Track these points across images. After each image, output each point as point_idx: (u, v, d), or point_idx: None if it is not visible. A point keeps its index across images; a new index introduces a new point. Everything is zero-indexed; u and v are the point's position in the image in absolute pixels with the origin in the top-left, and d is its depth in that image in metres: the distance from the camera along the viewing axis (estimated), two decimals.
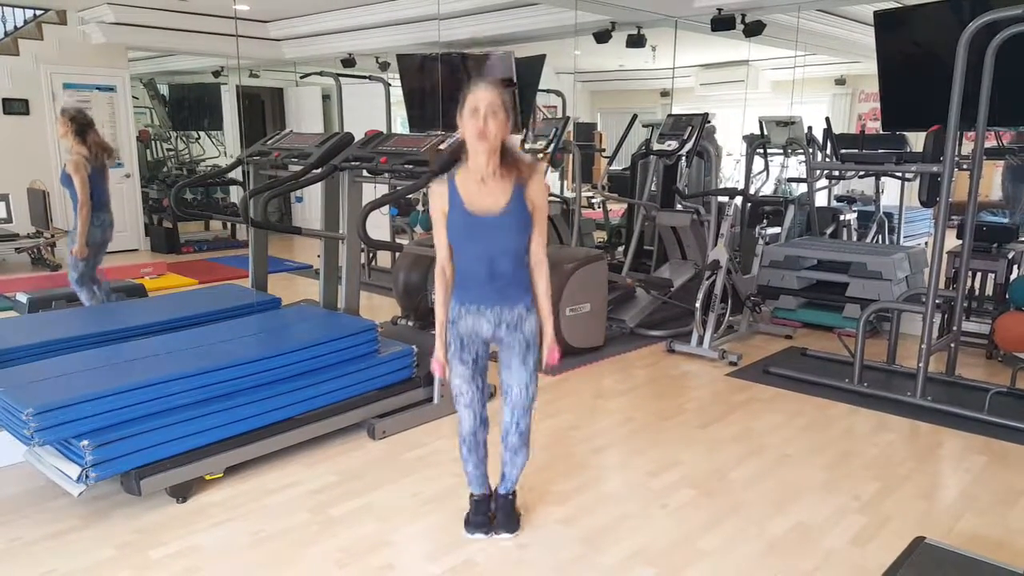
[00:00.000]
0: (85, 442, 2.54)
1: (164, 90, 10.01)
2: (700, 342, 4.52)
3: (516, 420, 2.37)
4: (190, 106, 9.98)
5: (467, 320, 2.27)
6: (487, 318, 2.25)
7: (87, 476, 2.55)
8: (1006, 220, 5.57)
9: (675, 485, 2.87)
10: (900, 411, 3.61)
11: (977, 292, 4.81)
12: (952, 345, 3.96)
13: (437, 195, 2.24)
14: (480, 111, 2.09)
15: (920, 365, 3.64)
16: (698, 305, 4.47)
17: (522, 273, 2.26)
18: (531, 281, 2.30)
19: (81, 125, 4.36)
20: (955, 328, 3.94)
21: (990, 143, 4.37)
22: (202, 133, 10.03)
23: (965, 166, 3.76)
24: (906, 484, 2.89)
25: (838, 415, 3.61)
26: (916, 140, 6.23)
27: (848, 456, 3.14)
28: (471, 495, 2.54)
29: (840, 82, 9.90)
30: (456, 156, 3.33)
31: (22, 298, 5.46)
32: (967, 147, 4.30)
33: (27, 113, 7.45)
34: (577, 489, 2.83)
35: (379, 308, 5.67)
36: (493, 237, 2.18)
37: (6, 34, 7.50)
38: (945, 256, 4.02)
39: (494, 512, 2.52)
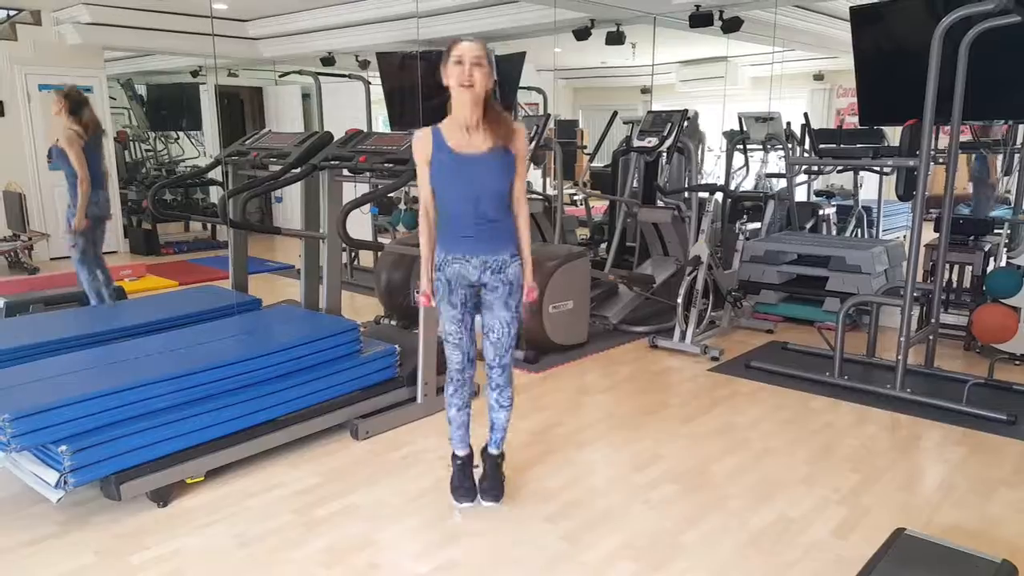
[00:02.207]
0: (63, 447, 2.51)
1: (142, 90, 9.89)
2: (682, 337, 4.55)
3: (499, 355, 2.51)
4: (168, 106, 9.86)
5: (453, 266, 2.39)
6: (472, 265, 2.38)
7: (65, 482, 2.51)
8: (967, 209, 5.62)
9: (658, 480, 2.89)
10: (880, 403, 3.65)
11: (955, 284, 4.88)
12: (931, 337, 4.01)
13: (421, 140, 2.32)
14: (465, 61, 2.19)
15: (899, 358, 3.68)
16: (680, 301, 4.50)
17: (506, 220, 2.39)
18: (514, 230, 2.43)
19: (75, 102, 4.35)
20: (933, 320, 3.99)
21: (965, 137, 4.43)
22: (181, 133, 9.92)
23: (941, 160, 3.81)
24: (886, 475, 2.92)
25: (819, 408, 3.65)
26: (894, 134, 6.30)
27: (829, 449, 3.17)
28: (453, 456, 2.65)
29: (818, 78, 10.00)
30: None
31: None
32: (943, 141, 4.37)
33: (2, 115, 7.34)
34: (561, 486, 2.84)
35: (362, 308, 5.64)
36: (478, 176, 2.28)
37: None
38: (923, 249, 4.07)
39: (480, 478, 2.66)
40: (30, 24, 7.46)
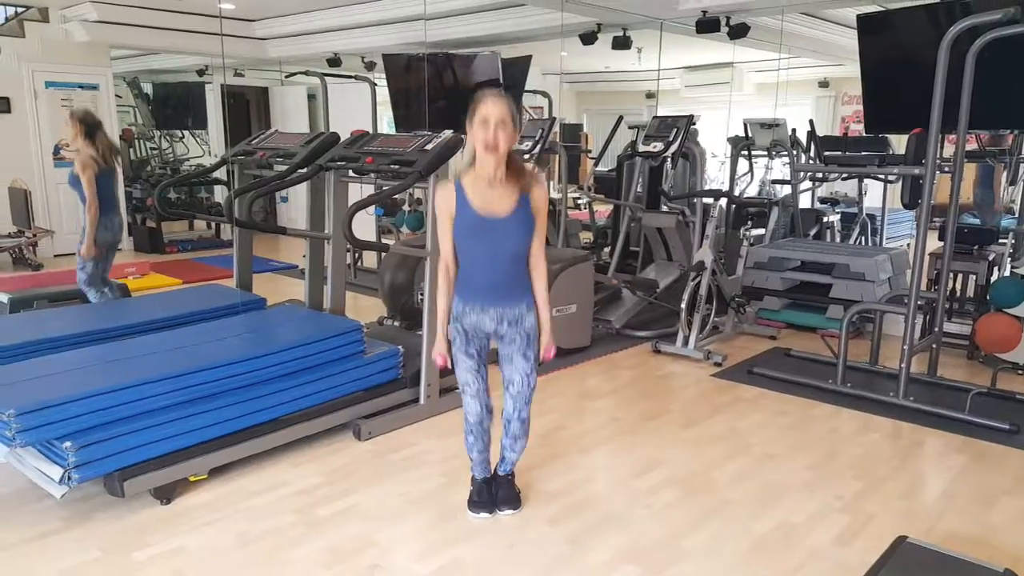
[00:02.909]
0: (68, 443, 2.51)
1: (148, 89, 9.92)
2: (685, 343, 4.55)
3: (518, 409, 2.51)
4: (174, 105, 9.89)
5: (471, 317, 2.39)
6: (490, 316, 2.38)
7: (69, 478, 2.52)
8: (977, 222, 5.63)
9: (660, 485, 2.89)
10: (883, 411, 3.65)
11: (958, 293, 4.88)
12: (934, 346, 4.01)
13: (444, 197, 2.33)
14: (490, 124, 2.19)
15: (902, 366, 3.68)
16: (683, 306, 4.50)
17: (523, 274, 2.39)
18: (530, 281, 2.43)
19: (90, 126, 4.37)
20: (937, 329, 3.99)
21: (971, 146, 4.43)
22: (186, 132, 9.95)
23: (947, 168, 3.81)
24: (888, 483, 2.92)
25: (822, 415, 3.64)
26: (898, 142, 6.31)
27: (831, 456, 3.17)
28: (473, 478, 2.68)
29: (823, 84, 9.99)
30: (444, 158, 3.35)
31: (3, 298, 5.37)
32: (948, 150, 4.37)
33: (8, 111, 7.36)
34: (563, 489, 2.84)
35: (365, 309, 5.65)
36: (499, 238, 2.30)
37: None
38: (927, 258, 4.07)
39: (494, 492, 2.68)
40: (37, 21, 7.49)
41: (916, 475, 3.04)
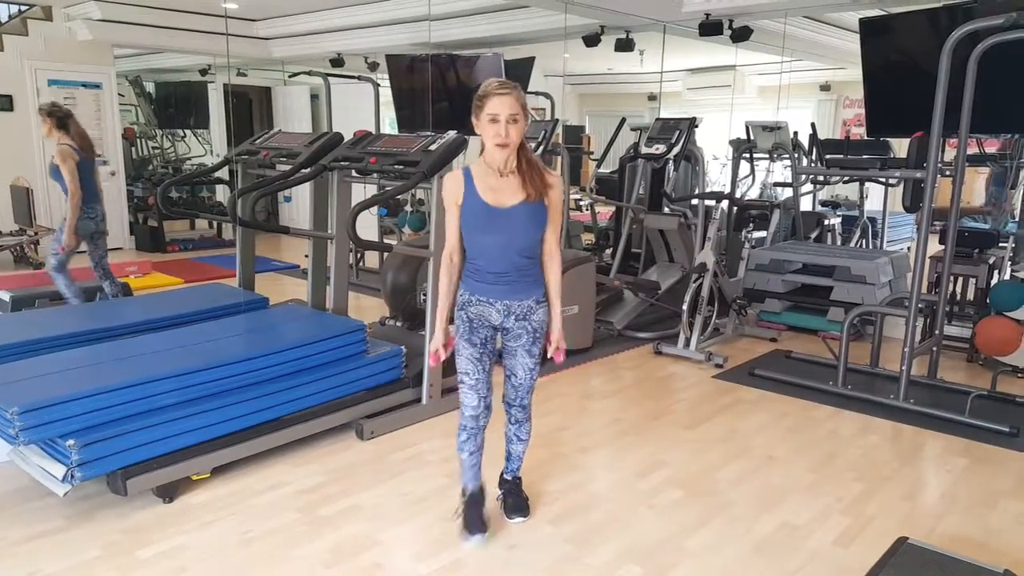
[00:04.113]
0: (71, 442, 2.52)
1: (150, 88, 9.92)
2: (687, 344, 4.56)
3: (520, 396, 2.43)
4: (176, 104, 9.90)
5: (477, 307, 2.30)
6: (496, 309, 2.29)
7: (72, 476, 2.52)
8: (987, 225, 5.64)
9: (662, 485, 2.90)
10: (883, 413, 3.66)
11: (958, 296, 4.89)
12: (934, 349, 4.02)
13: (452, 183, 2.23)
14: (501, 120, 2.10)
15: (903, 368, 3.69)
16: (685, 308, 4.51)
17: (534, 267, 2.29)
18: (542, 275, 2.33)
19: (60, 118, 4.40)
20: (937, 332, 4.00)
21: (972, 150, 4.44)
22: (188, 131, 9.95)
23: (948, 172, 3.82)
24: (889, 485, 2.93)
25: (822, 417, 3.65)
26: (900, 146, 6.32)
27: (832, 458, 3.18)
28: (463, 492, 2.49)
29: (825, 88, 10.00)
30: (448, 159, 3.36)
31: (4, 296, 5.38)
32: (949, 153, 4.38)
33: (11, 109, 7.37)
34: (565, 489, 2.85)
35: (367, 309, 5.65)
36: (509, 229, 2.19)
37: None
38: (927, 261, 4.08)
39: (502, 498, 2.60)
40: (41, 19, 7.49)
41: (917, 477, 3.05)
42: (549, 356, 2.41)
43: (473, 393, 2.34)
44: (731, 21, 6.23)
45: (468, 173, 2.21)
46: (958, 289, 4.89)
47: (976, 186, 7.70)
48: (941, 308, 3.96)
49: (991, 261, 4.71)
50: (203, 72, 9.71)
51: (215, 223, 9.01)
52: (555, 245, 2.30)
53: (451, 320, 2.39)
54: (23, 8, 7.42)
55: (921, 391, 3.85)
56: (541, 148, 6.07)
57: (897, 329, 4.50)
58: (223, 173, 6.74)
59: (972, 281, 4.81)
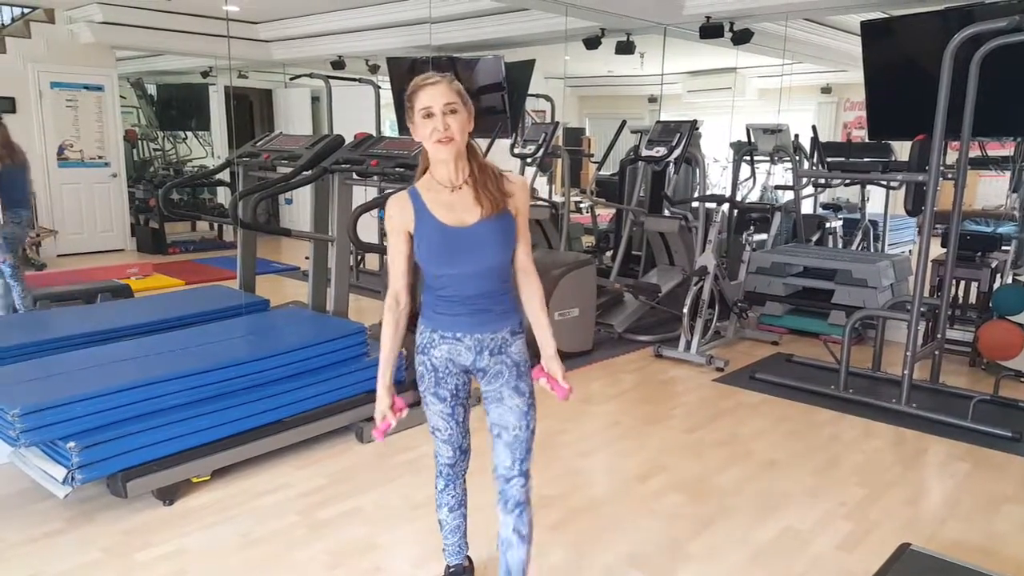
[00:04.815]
0: (72, 444, 2.52)
1: (152, 90, 9.93)
2: (688, 347, 4.55)
3: (518, 460, 1.92)
4: (178, 106, 9.91)
5: (442, 348, 1.88)
6: (465, 346, 1.87)
7: (73, 478, 2.52)
8: (1012, 228, 5.55)
9: (663, 490, 2.89)
10: (885, 418, 3.65)
11: (960, 300, 4.88)
12: (936, 353, 4.01)
13: (397, 207, 1.83)
14: (435, 112, 1.74)
15: (905, 372, 3.68)
16: (686, 311, 4.50)
17: (505, 293, 1.89)
18: (517, 299, 1.92)
19: None
20: (939, 336, 3.99)
21: (974, 152, 4.43)
22: (189, 133, 9.96)
23: (950, 176, 3.81)
24: (892, 490, 2.92)
25: (824, 421, 3.64)
26: (901, 148, 6.31)
27: (834, 462, 3.17)
28: (446, 571, 2.17)
29: (826, 90, 10.01)
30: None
31: None
32: (951, 157, 4.38)
33: (13, 111, 7.37)
34: (565, 494, 2.84)
35: (367, 310, 5.64)
36: (472, 251, 1.81)
37: None
38: (929, 264, 4.08)
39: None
40: (43, 22, 7.51)
41: (919, 482, 3.04)
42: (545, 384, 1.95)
43: (447, 445, 2.01)
44: (732, 24, 6.23)
45: (415, 193, 1.83)
46: (960, 293, 4.88)
47: (979, 189, 7.70)
48: (943, 312, 3.96)
49: (993, 265, 4.70)
50: (204, 74, 9.72)
51: (216, 225, 9.01)
52: (528, 261, 1.92)
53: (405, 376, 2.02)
54: (26, 11, 7.43)
55: (923, 395, 3.84)
56: (541, 151, 6.07)
57: (899, 332, 4.49)
58: (224, 175, 6.75)
59: (974, 285, 4.80)
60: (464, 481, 2.11)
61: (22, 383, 2.73)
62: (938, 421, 3.55)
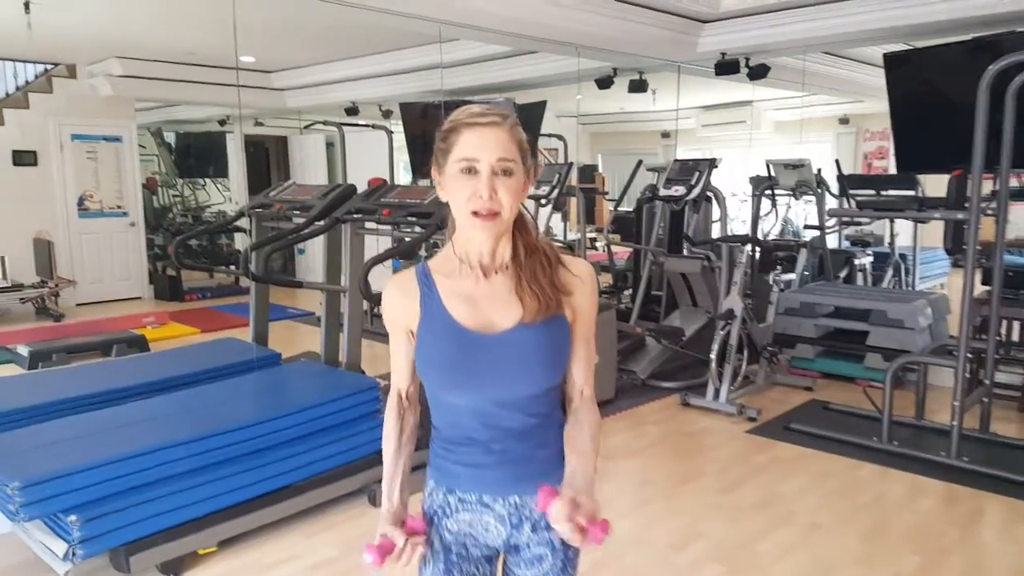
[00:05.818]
0: (73, 517, 2.41)
1: (171, 138, 10.09)
2: (716, 395, 4.34)
3: None
4: (196, 154, 10.04)
5: (461, 518, 1.29)
6: (495, 514, 1.28)
7: (74, 554, 2.41)
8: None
9: (701, 560, 2.68)
10: (934, 472, 3.40)
11: (1004, 339, 4.64)
12: (985, 399, 3.77)
13: (398, 294, 1.29)
14: (482, 169, 1.17)
15: (953, 423, 3.44)
16: (713, 357, 4.31)
17: (551, 427, 1.30)
18: (560, 440, 1.30)
19: None
20: (988, 381, 3.76)
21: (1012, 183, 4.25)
22: (208, 180, 10.07)
23: (991, 211, 3.63)
24: (950, 558, 2.68)
25: (868, 477, 3.41)
26: (927, 180, 6.14)
27: (884, 525, 2.94)
28: None
29: (844, 121, 9.89)
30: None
31: (23, 350, 5.37)
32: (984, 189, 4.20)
33: (35, 164, 7.47)
34: (596, 564, 2.64)
35: (381, 357, 5.49)
36: (500, 370, 1.23)
37: (17, 88, 7.58)
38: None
39: None
40: (65, 77, 7.65)
41: (979, 548, 2.80)
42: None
43: None
44: (747, 59, 6.15)
45: (425, 274, 1.28)
46: (1004, 332, 4.64)
47: (1009, 218, 7.44)
48: (990, 355, 3.73)
49: None
50: (222, 122, 9.87)
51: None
52: (588, 388, 1.34)
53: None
54: (48, 67, 7.57)
55: (974, 446, 3.58)
56: (556, 192, 5.96)
57: (940, 375, 4.25)
58: (241, 221, 6.74)
59: (1018, 324, 4.56)
60: None
61: (22, 452, 2.63)
62: (993, 476, 3.30)
